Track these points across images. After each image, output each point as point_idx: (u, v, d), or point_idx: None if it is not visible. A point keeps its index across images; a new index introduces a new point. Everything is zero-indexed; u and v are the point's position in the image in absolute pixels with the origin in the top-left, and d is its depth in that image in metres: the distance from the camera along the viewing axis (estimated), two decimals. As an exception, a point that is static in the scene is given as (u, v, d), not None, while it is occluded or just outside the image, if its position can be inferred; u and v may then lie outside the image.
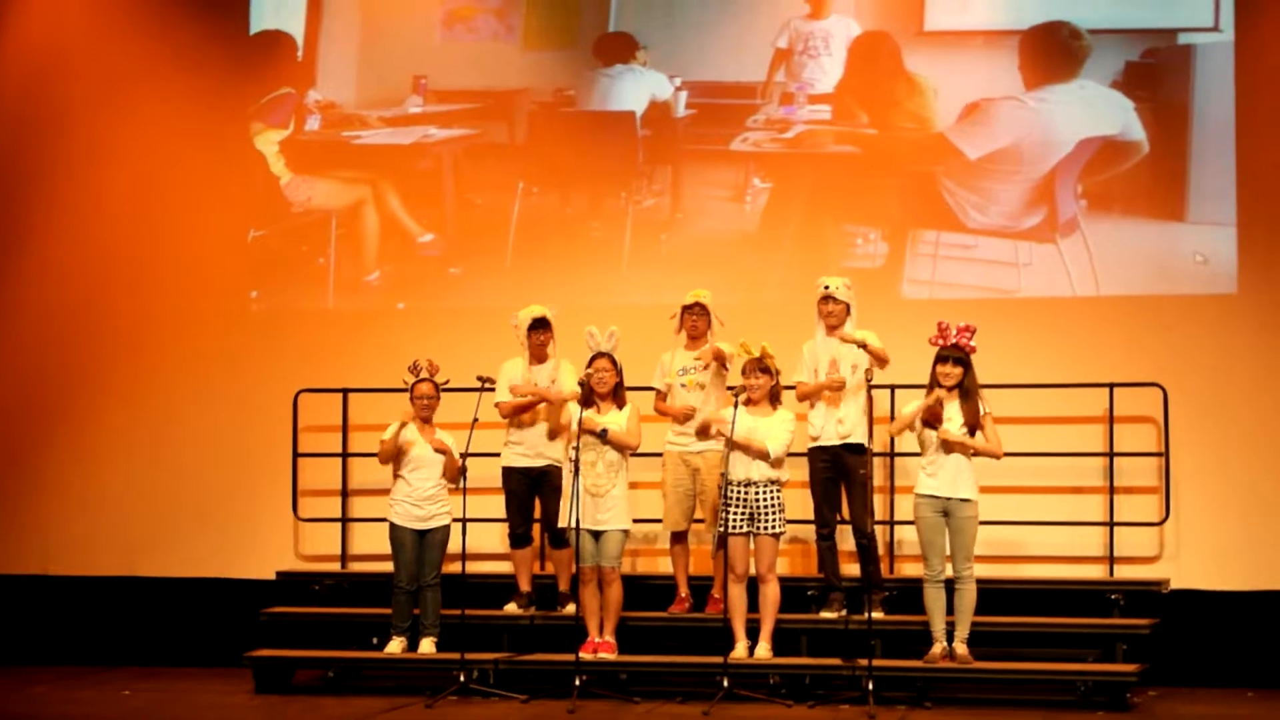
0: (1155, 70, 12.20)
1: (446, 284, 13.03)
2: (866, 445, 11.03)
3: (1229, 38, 12.07)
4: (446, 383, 11.60)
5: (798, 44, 12.73)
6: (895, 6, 12.58)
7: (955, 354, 10.74)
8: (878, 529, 11.40)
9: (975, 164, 12.41)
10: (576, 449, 11.01)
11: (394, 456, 11.46)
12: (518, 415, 11.62)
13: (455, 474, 11.42)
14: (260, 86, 13.39)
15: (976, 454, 10.69)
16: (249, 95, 13.39)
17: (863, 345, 10.91)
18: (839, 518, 11.32)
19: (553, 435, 11.60)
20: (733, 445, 10.85)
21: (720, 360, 11.41)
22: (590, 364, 11.21)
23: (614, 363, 11.22)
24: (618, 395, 11.21)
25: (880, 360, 10.96)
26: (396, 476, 11.53)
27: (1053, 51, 12.33)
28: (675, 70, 12.85)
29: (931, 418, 10.69)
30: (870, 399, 11.03)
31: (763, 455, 10.85)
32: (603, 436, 11.02)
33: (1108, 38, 12.28)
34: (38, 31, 13.64)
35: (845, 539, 11.43)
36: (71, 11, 13.61)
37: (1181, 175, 12.13)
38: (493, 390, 11.49)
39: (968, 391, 10.72)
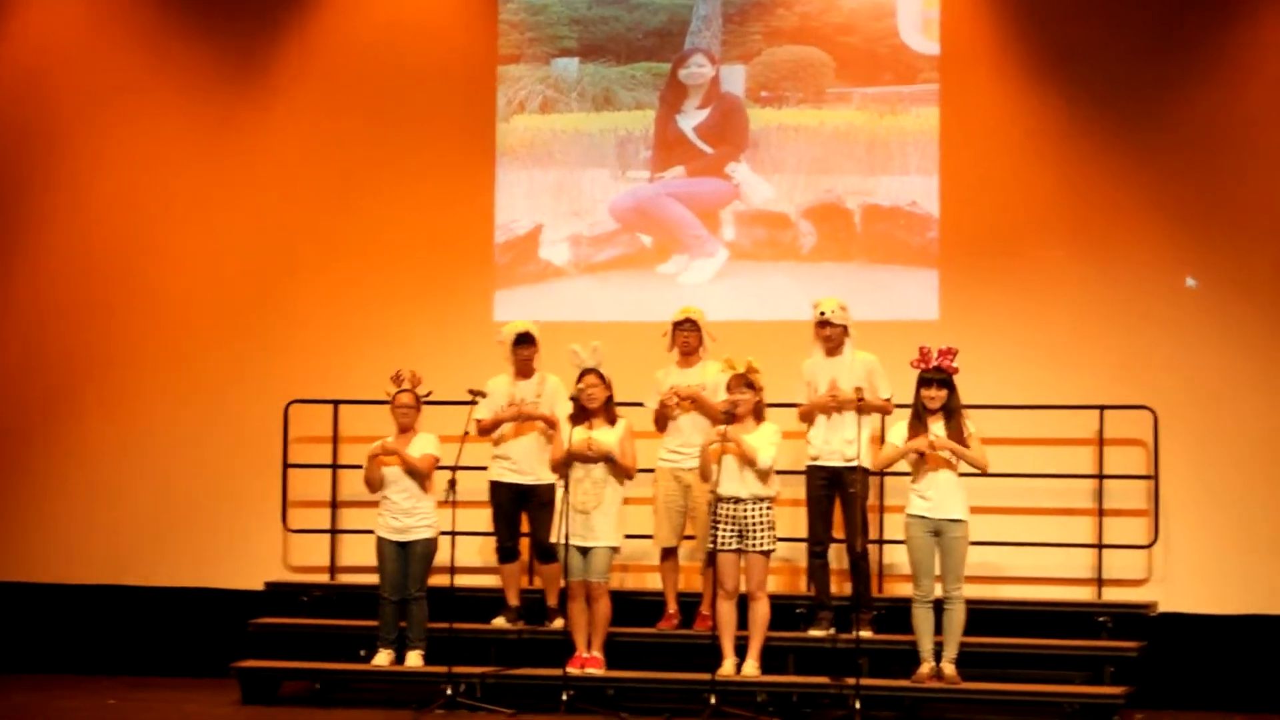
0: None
1: (439, 297, 12.98)
2: (860, 464, 11.05)
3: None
4: (428, 394, 11.59)
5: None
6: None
7: (938, 376, 10.75)
8: (869, 548, 11.40)
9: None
10: (566, 464, 11.01)
11: (379, 484, 11.47)
12: (494, 430, 11.61)
13: (424, 472, 11.36)
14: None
15: (963, 460, 10.67)
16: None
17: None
18: (832, 536, 11.32)
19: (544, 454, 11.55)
20: (722, 451, 10.80)
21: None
22: (579, 381, 11.19)
23: (602, 377, 11.15)
24: (608, 410, 11.18)
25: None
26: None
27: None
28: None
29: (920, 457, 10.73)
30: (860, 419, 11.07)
31: (751, 462, 10.83)
32: (609, 461, 11.01)
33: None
34: (35, 42, 13.60)
35: (837, 557, 11.42)
36: (69, 22, 13.57)
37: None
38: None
39: (952, 413, 10.73)
